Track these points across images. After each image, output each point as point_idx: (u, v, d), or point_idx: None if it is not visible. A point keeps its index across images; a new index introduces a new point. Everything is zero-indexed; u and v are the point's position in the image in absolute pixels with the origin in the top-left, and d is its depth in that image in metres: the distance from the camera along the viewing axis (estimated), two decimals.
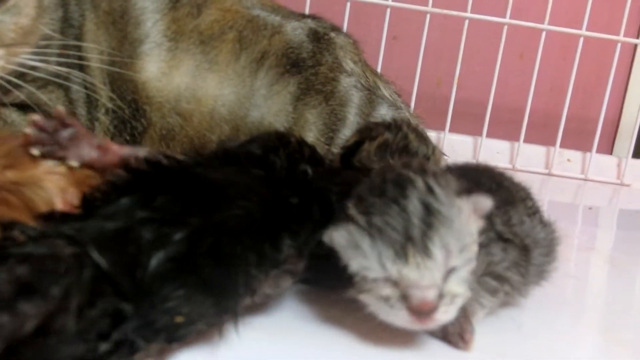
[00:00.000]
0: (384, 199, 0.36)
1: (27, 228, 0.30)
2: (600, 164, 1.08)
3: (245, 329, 0.40)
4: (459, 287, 0.36)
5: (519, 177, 1.06)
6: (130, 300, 0.30)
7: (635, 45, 1.13)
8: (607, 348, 0.46)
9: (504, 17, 1.01)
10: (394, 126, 0.55)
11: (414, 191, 0.36)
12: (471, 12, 1.01)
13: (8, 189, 0.35)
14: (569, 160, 1.09)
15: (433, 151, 0.54)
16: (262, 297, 0.39)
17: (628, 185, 1.06)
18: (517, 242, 0.42)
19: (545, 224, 0.47)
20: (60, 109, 0.45)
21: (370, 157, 0.51)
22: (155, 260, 0.31)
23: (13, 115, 0.62)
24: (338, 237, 0.38)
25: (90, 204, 0.34)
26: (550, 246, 0.47)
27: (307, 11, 0.97)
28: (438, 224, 0.35)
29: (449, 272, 0.36)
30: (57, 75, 0.61)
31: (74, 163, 0.42)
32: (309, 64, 0.71)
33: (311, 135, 0.69)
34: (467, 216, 0.37)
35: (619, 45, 1.02)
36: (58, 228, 0.31)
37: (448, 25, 1.10)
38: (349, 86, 0.72)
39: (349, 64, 0.76)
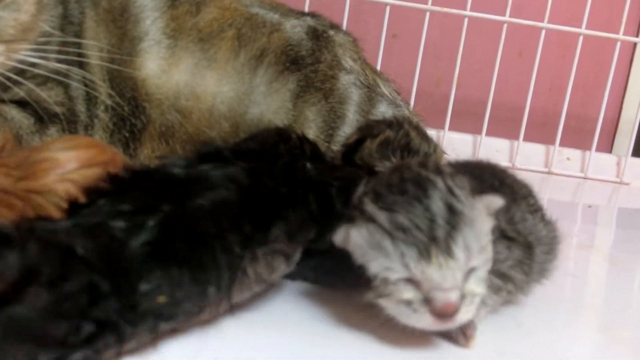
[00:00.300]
0: (406, 197, 0.36)
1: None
2: (600, 163, 1.08)
3: (245, 327, 0.40)
4: (477, 287, 0.36)
5: (520, 175, 1.06)
6: (107, 278, 0.30)
7: (635, 44, 1.13)
8: (606, 346, 0.46)
9: (504, 15, 1.01)
10: (395, 124, 0.55)
11: (435, 191, 0.36)
12: (471, 11, 1.01)
13: (18, 195, 0.36)
14: (568, 158, 1.09)
15: (434, 149, 0.54)
16: (259, 281, 0.39)
17: (627, 184, 1.06)
18: (521, 240, 0.42)
19: (546, 222, 0.47)
20: None
21: (371, 155, 0.51)
22: (131, 246, 0.32)
23: (12, 112, 0.62)
24: (357, 236, 0.37)
25: (73, 209, 0.34)
26: (551, 244, 0.47)
27: (306, 9, 0.97)
28: (462, 224, 0.35)
29: (469, 272, 0.36)
30: (57, 72, 0.61)
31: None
32: (308, 61, 0.71)
33: (311, 132, 0.69)
34: (484, 216, 0.37)
35: (618, 43, 1.02)
36: (35, 225, 0.31)
37: (447, 24, 1.10)
38: (348, 84, 0.72)
39: (348, 62, 0.76)
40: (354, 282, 0.43)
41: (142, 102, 0.67)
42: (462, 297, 0.35)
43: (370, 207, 0.37)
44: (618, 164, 1.09)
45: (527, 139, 1.07)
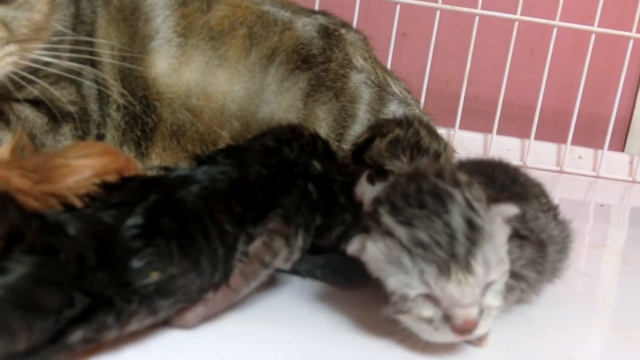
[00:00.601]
0: (426, 212, 0.35)
1: None
2: (612, 161, 1.07)
3: (250, 323, 0.40)
4: (495, 300, 0.37)
5: (532, 174, 1.06)
6: (94, 253, 0.30)
7: None
8: (618, 345, 0.46)
9: (515, 13, 1.01)
10: (405, 122, 0.55)
11: (455, 205, 0.35)
12: (481, 9, 1.01)
13: (35, 196, 0.36)
14: (580, 157, 1.08)
15: (444, 147, 0.54)
16: (262, 265, 0.39)
17: None
18: (533, 238, 0.42)
19: (559, 221, 0.47)
20: None
21: (381, 154, 0.51)
22: (121, 228, 0.32)
23: (27, 111, 0.63)
24: (374, 249, 0.37)
25: (68, 208, 0.35)
26: (563, 243, 0.46)
27: (317, 7, 0.97)
28: (482, 240, 0.35)
29: (487, 286, 0.36)
30: (70, 71, 0.62)
31: None
32: (319, 60, 0.71)
33: (322, 131, 0.69)
34: (502, 228, 0.37)
35: (631, 41, 1.01)
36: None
37: (458, 22, 1.10)
38: (359, 82, 0.72)
39: (359, 61, 0.76)
40: (361, 282, 0.43)
41: (154, 100, 0.67)
42: (481, 311, 0.36)
43: (387, 219, 0.37)
44: (631, 162, 1.08)
45: (538, 137, 1.06)
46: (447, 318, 0.36)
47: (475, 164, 0.47)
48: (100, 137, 0.67)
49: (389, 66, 1.00)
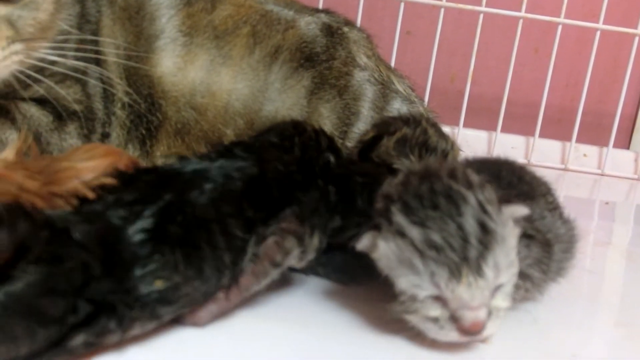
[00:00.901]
0: (439, 213, 0.35)
1: None
2: (617, 159, 1.06)
3: (261, 320, 0.41)
4: (503, 302, 0.37)
5: (537, 172, 1.05)
6: (100, 261, 0.30)
7: None
8: (623, 342, 0.46)
9: (519, 11, 1.00)
10: (412, 121, 0.55)
11: (468, 208, 0.35)
12: (486, 6, 1.01)
13: (42, 197, 0.37)
14: (585, 155, 1.08)
15: (452, 146, 0.54)
16: (273, 264, 0.39)
17: None
18: (540, 237, 0.42)
19: (565, 220, 0.47)
20: None
21: (389, 152, 0.51)
22: (128, 232, 0.32)
23: (32, 109, 0.63)
24: (385, 248, 0.37)
25: (82, 200, 0.35)
26: (569, 243, 0.46)
27: (320, 6, 0.97)
28: (494, 243, 0.35)
29: (497, 288, 0.36)
30: (75, 70, 0.62)
31: None
32: (322, 58, 0.71)
33: (325, 129, 0.69)
34: (513, 230, 0.37)
35: (636, 38, 1.01)
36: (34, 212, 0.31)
37: (462, 20, 1.10)
38: (363, 80, 0.72)
39: (362, 59, 0.76)
40: (365, 279, 0.43)
41: (158, 99, 0.67)
42: (489, 313, 0.36)
43: (400, 219, 0.36)
44: (636, 160, 1.07)
45: (543, 135, 1.06)
46: (454, 319, 0.36)
47: (481, 163, 0.47)
48: (105, 136, 0.67)
49: (393, 64, 1.00)
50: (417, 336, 0.39)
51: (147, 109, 0.67)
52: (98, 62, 0.65)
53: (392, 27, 1.03)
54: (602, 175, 1.05)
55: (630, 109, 1.17)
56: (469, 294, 0.35)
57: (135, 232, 0.32)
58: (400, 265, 0.36)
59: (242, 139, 0.54)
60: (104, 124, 0.66)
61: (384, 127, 0.55)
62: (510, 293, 0.37)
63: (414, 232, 0.35)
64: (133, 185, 0.35)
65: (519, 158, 1.07)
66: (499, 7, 1.00)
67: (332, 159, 0.45)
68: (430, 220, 0.35)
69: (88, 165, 0.41)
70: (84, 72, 0.62)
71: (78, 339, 0.29)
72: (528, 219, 0.41)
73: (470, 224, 0.35)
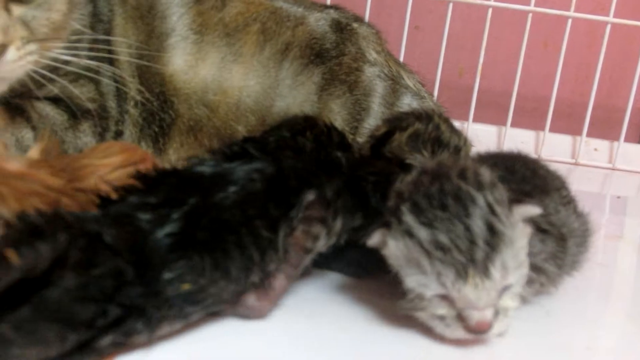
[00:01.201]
0: (447, 214, 0.36)
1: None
2: (628, 153, 1.06)
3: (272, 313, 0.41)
4: (512, 302, 0.37)
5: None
6: (131, 265, 0.31)
7: None
8: (635, 335, 0.46)
9: (528, 4, 1.00)
10: (424, 116, 0.55)
11: (476, 209, 0.36)
12: (494, 1, 1.00)
13: (66, 193, 0.38)
14: (595, 149, 1.07)
15: (464, 142, 0.54)
16: (301, 251, 0.39)
17: None
18: (554, 232, 0.42)
19: (579, 214, 0.47)
20: None
21: (401, 147, 0.51)
22: (156, 236, 0.32)
23: (47, 108, 0.64)
24: (394, 247, 0.37)
25: (104, 200, 0.36)
26: (583, 237, 0.46)
27: (329, 2, 0.97)
28: (502, 245, 0.35)
29: (504, 289, 0.37)
30: (88, 69, 0.63)
31: None
32: (332, 54, 0.72)
33: (336, 124, 0.69)
34: (523, 231, 0.37)
35: None
36: (64, 215, 0.32)
37: (470, 14, 1.09)
38: (373, 76, 0.73)
39: (372, 54, 0.77)
40: (377, 273, 0.44)
41: (171, 97, 0.68)
42: (496, 313, 0.36)
43: (409, 218, 0.37)
44: None
45: (553, 129, 1.05)
46: (460, 318, 0.37)
47: (494, 157, 0.47)
48: (118, 134, 0.68)
49: (401, 59, 1.00)
50: (428, 330, 0.39)
51: (160, 107, 0.68)
52: (111, 61, 0.66)
53: (400, 21, 1.03)
54: (613, 169, 1.05)
55: None
56: (475, 295, 0.35)
57: (163, 236, 0.32)
58: (408, 264, 0.37)
59: (255, 135, 0.54)
60: (117, 122, 0.67)
61: (396, 122, 0.56)
62: (519, 293, 0.38)
63: (422, 233, 0.36)
64: (157, 188, 0.36)
65: (529, 153, 1.07)
66: (508, 1, 1.00)
67: (343, 160, 0.45)
68: (438, 221, 0.36)
69: (106, 162, 0.43)
70: (97, 71, 0.63)
71: (106, 340, 0.30)
72: (543, 214, 0.41)
73: (477, 225, 0.35)
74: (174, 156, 0.69)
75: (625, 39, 1.09)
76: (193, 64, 0.69)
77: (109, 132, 0.67)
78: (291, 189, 0.39)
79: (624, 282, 0.59)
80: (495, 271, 0.35)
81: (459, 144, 0.53)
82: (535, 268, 0.40)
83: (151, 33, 0.69)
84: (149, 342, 0.33)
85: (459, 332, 0.37)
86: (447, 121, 0.56)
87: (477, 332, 0.37)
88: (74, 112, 0.64)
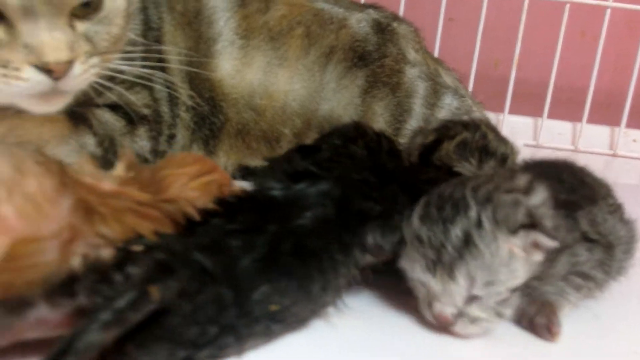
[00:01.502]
0: (439, 215, 0.40)
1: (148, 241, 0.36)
2: None
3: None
4: (481, 313, 0.41)
5: (582, 159, 1.04)
6: (229, 289, 0.34)
7: None
8: None
9: None
10: (472, 125, 0.56)
11: (463, 219, 0.39)
12: None
13: (154, 206, 0.41)
14: (634, 140, 1.07)
15: (511, 150, 0.55)
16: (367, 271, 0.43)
17: None
18: (602, 241, 0.43)
19: (625, 222, 0.48)
20: None
21: (449, 156, 0.53)
22: (244, 263, 0.36)
23: (106, 115, 0.67)
24: (407, 227, 0.42)
25: (191, 225, 0.39)
26: (629, 243, 0.48)
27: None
28: (469, 257, 0.39)
29: (472, 298, 0.40)
30: (142, 77, 0.66)
31: None
32: (374, 56, 0.73)
33: (379, 127, 0.71)
34: (510, 255, 0.39)
35: None
36: (170, 244, 0.36)
37: (504, 5, 1.09)
38: (414, 77, 0.74)
39: (411, 54, 0.78)
40: None
41: (220, 101, 0.71)
42: (460, 315, 0.40)
43: (417, 209, 0.42)
44: None
45: (590, 121, 1.05)
46: (429, 304, 0.41)
47: (541, 166, 0.49)
48: (171, 137, 0.71)
49: (436, 52, 1.01)
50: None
51: (210, 111, 0.70)
52: (162, 68, 0.69)
53: (434, 14, 1.03)
54: None
55: None
56: (441, 290, 0.40)
57: (251, 261, 0.36)
58: (406, 247, 0.42)
59: (307, 143, 0.57)
60: (169, 126, 0.70)
61: (444, 131, 0.57)
62: (493, 307, 0.40)
63: (415, 223, 0.41)
64: (238, 214, 0.39)
65: (566, 144, 1.07)
66: None
67: (395, 168, 0.48)
68: (429, 218, 0.40)
69: (183, 172, 0.46)
70: (150, 79, 0.66)
71: (204, 353, 0.34)
72: (592, 224, 0.43)
73: (455, 232, 0.39)
74: (224, 158, 0.72)
75: None
76: (240, 69, 0.71)
77: (162, 135, 0.70)
78: (357, 213, 0.41)
79: None
80: (460, 277, 0.39)
81: (506, 152, 0.54)
82: (583, 275, 0.42)
83: (199, 39, 0.71)
84: (237, 354, 0.36)
85: (429, 316, 0.42)
86: (494, 130, 0.57)
87: (439, 322, 0.41)
88: (131, 118, 0.67)
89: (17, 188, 0.34)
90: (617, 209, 0.49)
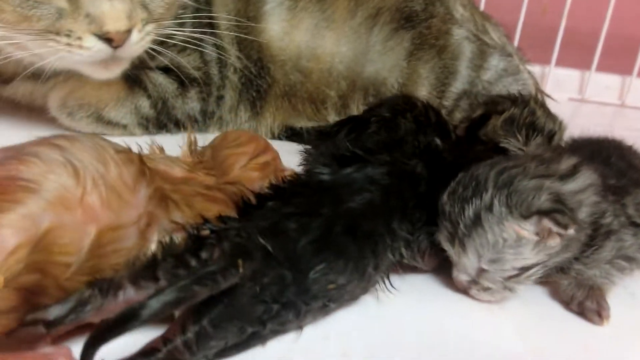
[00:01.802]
0: (462, 193, 0.44)
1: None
2: None
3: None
4: (490, 284, 0.45)
5: (630, 114, 1.02)
6: (289, 270, 0.38)
7: None
8: None
9: None
10: (520, 101, 0.56)
11: (477, 200, 0.43)
12: None
13: (219, 189, 0.44)
14: None
15: (559, 127, 0.55)
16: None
17: None
18: None
19: None
20: None
21: (496, 131, 0.54)
22: (301, 244, 0.39)
23: (160, 78, 0.70)
24: (442, 200, 0.46)
25: (247, 207, 0.42)
26: None
27: None
28: (476, 236, 0.43)
29: (482, 271, 0.44)
30: (192, 40, 0.67)
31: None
32: (421, 17, 0.72)
33: (423, 90, 0.72)
34: (517, 238, 0.42)
35: None
36: (240, 228, 0.39)
37: None
38: (461, 38, 0.73)
39: (459, 11, 0.76)
40: None
41: (267, 63, 0.72)
42: (474, 282, 0.45)
43: (452, 183, 0.45)
44: None
45: None
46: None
47: (590, 147, 0.49)
48: (219, 98, 0.73)
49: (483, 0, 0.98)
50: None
51: (257, 73, 0.72)
52: (212, 31, 0.70)
53: None
54: None
55: None
56: (456, 259, 0.45)
57: (307, 243, 0.39)
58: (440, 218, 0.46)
59: (358, 117, 0.58)
60: (219, 87, 0.72)
61: (492, 106, 0.57)
62: (501, 280, 0.44)
63: (444, 197, 0.45)
64: (292, 197, 0.42)
65: (612, 99, 1.04)
66: None
67: (439, 142, 0.49)
68: (454, 194, 0.44)
69: (241, 151, 0.49)
70: (200, 40, 0.67)
71: (268, 329, 0.38)
72: (638, 208, 0.44)
73: (468, 212, 0.42)
74: (270, 119, 0.74)
75: None
76: (288, 31, 0.71)
77: (211, 97, 0.72)
78: (404, 204, 0.44)
79: None
80: (471, 251, 0.43)
81: (553, 129, 0.54)
82: (627, 258, 0.44)
83: (248, 1, 0.71)
84: (297, 329, 0.40)
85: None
86: (543, 106, 0.57)
87: (457, 285, 0.46)
88: (182, 81, 0.70)
89: (100, 178, 0.36)
90: None
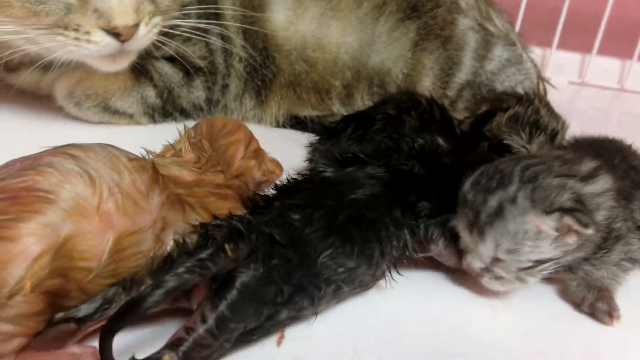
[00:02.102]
0: (485, 184, 0.45)
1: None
2: None
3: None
4: (503, 272, 0.46)
5: (629, 99, 1.02)
6: (294, 254, 0.40)
7: None
8: None
9: None
10: (525, 99, 0.57)
11: (500, 192, 0.44)
12: None
13: (227, 186, 0.46)
14: None
15: (562, 126, 0.56)
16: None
17: None
18: None
19: None
20: None
21: (500, 128, 0.55)
22: (306, 232, 0.41)
23: (165, 67, 0.70)
24: (461, 187, 0.47)
25: (254, 205, 0.44)
26: None
27: None
28: (497, 225, 0.44)
29: (497, 259, 0.45)
30: (198, 29, 0.67)
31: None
32: (427, 7, 0.72)
33: (427, 80, 0.72)
34: (537, 232, 0.43)
35: None
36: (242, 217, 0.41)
37: None
38: (466, 29, 0.73)
39: None
40: None
41: (272, 52, 0.72)
42: (487, 270, 0.46)
43: (475, 174, 0.46)
44: None
45: None
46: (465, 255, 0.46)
47: (592, 147, 0.50)
48: (224, 87, 0.73)
49: None
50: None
51: (262, 62, 0.72)
52: (217, 20, 0.70)
53: None
54: None
55: None
56: (472, 246, 0.45)
57: (311, 232, 0.41)
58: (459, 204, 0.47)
59: (363, 113, 0.59)
60: (224, 76, 0.73)
61: (497, 103, 0.58)
62: (514, 270, 0.45)
63: (466, 186, 0.46)
64: (297, 192, 0.43)
65: (612, 82, 1.05)
66: None
67: (441, 142, 0.50)
68: (476, 185, 0.45)
69: (234, 139, 0.51)
70: (205, 31, 0.67)
71: (283, 314, 0.40)
72: None
73: (491, 203, 0.44)
74: (274, 108, 0.74)
75: None
76: (293, 20, 0.71)
77: (217, 85, 0.73)
78: (405, 195, 0.46)
79: None
80: (489, 239, 0.44)
81: (556, 128, 0.55)
82: (632, 260, 0.46)
83: None
84: (312, 316, 0.42)
85: (465, 265, 0.47)
86: (547, 105, 0.58)
87: (469, 271, 0.47)
88: (188, 70, 0.70)
89: (116, 187, 0.37)
90: None
